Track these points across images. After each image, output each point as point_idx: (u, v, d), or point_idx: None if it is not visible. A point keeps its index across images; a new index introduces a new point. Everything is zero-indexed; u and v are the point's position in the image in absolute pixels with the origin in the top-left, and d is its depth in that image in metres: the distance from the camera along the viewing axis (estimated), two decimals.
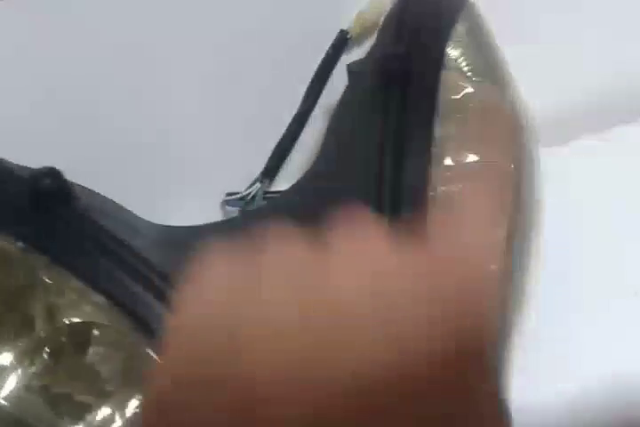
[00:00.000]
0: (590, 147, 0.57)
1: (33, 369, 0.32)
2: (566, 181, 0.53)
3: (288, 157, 0.53)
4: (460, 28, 0.40)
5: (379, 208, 0.33)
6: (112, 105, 0.50)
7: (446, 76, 0.37)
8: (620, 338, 0.44)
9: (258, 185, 0.52)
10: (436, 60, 0.37)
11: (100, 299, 0.32)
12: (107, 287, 0.32)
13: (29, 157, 0.35)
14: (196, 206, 0.55)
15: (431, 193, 0.35)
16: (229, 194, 0.53)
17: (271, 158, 0.53)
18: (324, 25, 0.49)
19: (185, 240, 0.41)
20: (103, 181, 0.39)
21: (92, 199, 0.35)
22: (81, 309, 0.32)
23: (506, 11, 0.52)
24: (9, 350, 0.32)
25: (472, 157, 0.37)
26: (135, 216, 0.40)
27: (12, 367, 0.31)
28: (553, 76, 0.57)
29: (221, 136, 0.53)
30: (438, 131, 0.36)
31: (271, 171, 0.53)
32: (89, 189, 0.38)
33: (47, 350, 0.32)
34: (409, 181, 0.34)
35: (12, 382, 0.31)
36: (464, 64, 0.39)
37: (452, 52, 0.38)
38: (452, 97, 0.38)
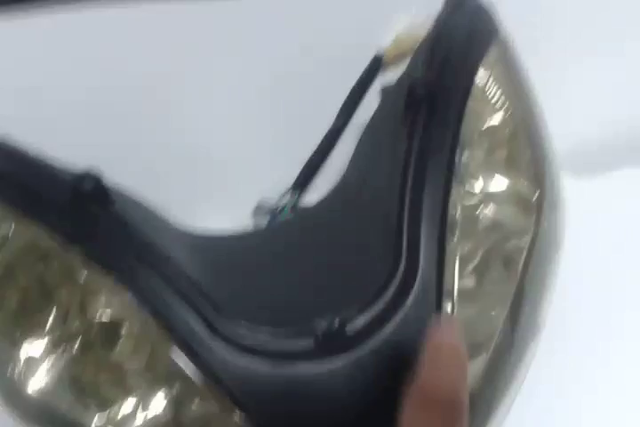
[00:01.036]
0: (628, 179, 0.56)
1: (63, 359, 0.33)
2: (591, 211, 0.53)
3: (319, 172, 0.55)
4: (490, 56, 0.40)
5: (398, 234, 0.34)
6: (149, 113, 0.51)
7: (474, 105, 0.38)
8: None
9: (288, 197, 0.54)
10: (464, 89, 0.37)
11: (131, 299, 0.33)
12: (137, 288, 0.33)
13: (70, 157, 0.36)
14: (225, 215, 0.57)
15: (453, 218, 0.36)
16: (259, 206, 0.55)
17: (302, 172, 0.54)
18: (362, 46, 0.50)
19: (214, 248, 0.43)
20: (137, 185, 0.41)
21: (127, 203, 0.37)
22: (113, 306, 0.33)
23: (534, 37, 0.53)
24: (41, 341, 0.33)
25: (496, 186, 0.38)
26: (166, 220, 0.42)
27: (43, 358, 0.33)
28: (590, 106, 0.58)
29: (255, 147, 0.55)
30: (463, 159, 0.37)
31: (302, 184, 0.54)
32: (125, 193, 0.40)
33: (78, 342, 0.33)
34: (428, 209, 0.35)
35: (42, 372, 0.33)
36: (492, 93, 0.40)
37: (482, 80, 0.39)
38: (479, 126, 0.39)
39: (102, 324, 0.33)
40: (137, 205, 0.39)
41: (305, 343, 0.32)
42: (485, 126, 0.39)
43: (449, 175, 0.35)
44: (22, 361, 0.33)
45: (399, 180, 0.35)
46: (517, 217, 0.38)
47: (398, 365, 0.32)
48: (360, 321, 0.33)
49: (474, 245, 0.36)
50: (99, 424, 0.33)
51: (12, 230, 0.34)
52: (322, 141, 0.53)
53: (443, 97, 0.36)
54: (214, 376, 0.32)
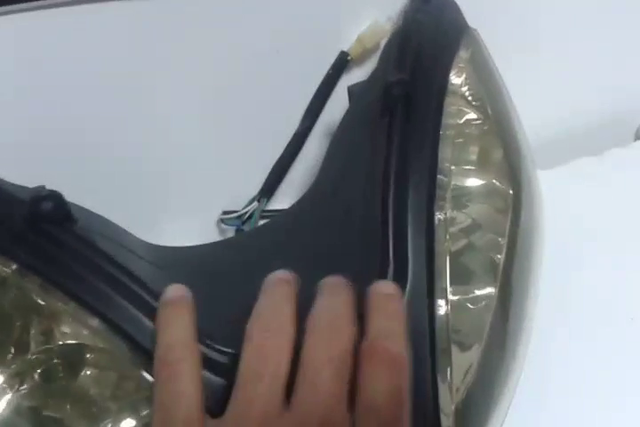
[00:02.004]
0: (587, 168, 0.57)
1: (23, 391, 0.31)
2: (565, 202, 0.53)
3: (286, 177, 0.53)
4: (462, 55, 0.40)
5: (383, 235, 0.33)
6: (109, 120, 0.49)
7: (449, 102, 0.37)
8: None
9: (255, 204, 0.52)
10: (440, 87, 0.37)
11: (94, 322, 0.31)
12: (102, 310, 0.31)
13: (30, 177, 0.34)
14: (192, 224, 0.55)
15: (438, 215, 0.35)
16: (226, 212, 0.53)
17: (269, 177, 0.53)
18: (325, 45, 0.49)
19: (181, 261, 0.41)
20: (101, 199, 0.39)
21: (90, 221, 0.35)
22: (75, 331, 0.31)
23: (506, 34, 0.52)
24: (1, 373, 0.31)
25: (472, 181, 0.37)
26: (132, 237, 0.40)
27: (3, 390, 0.31)
28: (550, 99, 0.58)
29: (219, 153, 0.53)
30: (440, 155, 0.36)
31: (269, 190, 0.53)
32: (87, 210, 0.37)
33: (39, 371, 0.31)
34: (414, 208, 0.34)
35: (1, 405, 0.31)
36: (466, 89, 0.39)
37: (455, 78, 0.38)
38: (455, 122, 0.38)
39: (64, 348, 0.31)
40: (100, 223, 0.37)
41: None
42: (461, 122, 0.38)
43: (433, 174, 0.34)
44: None
45: (381, 183, 0.34)
46: (494, 216, 0.37)
47: None
48: None
49: (459, 245, 0.35)
50: None
51: None
52: (288, 144, 0.52)
53: (419, 96, 0.35)
54: None
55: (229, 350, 0.31)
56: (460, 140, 0.38)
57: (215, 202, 0.54)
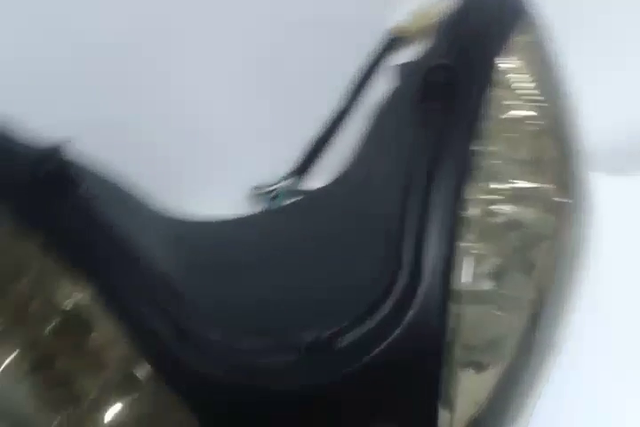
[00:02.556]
0: None
1: (27, 356, 0.31)
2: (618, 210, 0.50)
3: (321, 156, 0.51)
4: (519, 40, 0.36)
5: (401, 230, 0.31)
6: (142, 89, 0.48)
7: (497, 94, 0.34)
8: None
9: (286, 182, 0.50)
10: (486, 75, 0.34)
11: (92, 289, 0.30)
12: (99, 284, 0.30)
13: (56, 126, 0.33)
14: (221, 196, 0.54)
15: (464, 214, 0.32)
16: (257, 188, 0.52)
17: (303, 156, 0.50)
18: (375, 21, 0.46)
19: (192, 235, 0.39)
20: (130, 162, 0.38)
21: (100, 186, 0.33)
22: (73, 296, 0.30)
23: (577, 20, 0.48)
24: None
25: (518, 182, 0.34)
26: (146, 205, 0.38)
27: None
28: (626, 101, 0.54)
29: (255, 127, 0.52)
30: (483, 153, 0.33)
31: (301, 169, 0.50)
32: (101, 174, 0.36)
33: (43, 333, 0.30)
34: (438, 202, 0.31)
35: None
36: (517, 81, 0.36)
37: (505, 66, 0.35)
38: (501, 116, 0.35)
39: (65, 313, 0.30)
40: (111, 189, 0.35)
41: (286, 357, 0.29)
42: (509, 119, 0.35)
43: (464, 171, 0.32)
44: None
45: (405, 174, 0.31)
46: (540, 219, 0.35)
47: (395, 388, 0.28)
48: (350, 337, 0.29)
49: (490, 245, 0.33)
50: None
51: None
52: (326, 123, 0.49)
53: (462, 84, 0.33)
54: (174, 385, 0.29)
55: None
56: (507, 135, 0.35)
57: (247, 178, 0.52)
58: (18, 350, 0.31)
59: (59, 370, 0.30)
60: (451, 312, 0.30)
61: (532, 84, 0.36)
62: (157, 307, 0.29)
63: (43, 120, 0.33)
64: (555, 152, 0.36)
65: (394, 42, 0.46)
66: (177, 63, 0.48)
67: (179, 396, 0.29)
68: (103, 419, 0.30)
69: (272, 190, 0.50)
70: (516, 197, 0.34)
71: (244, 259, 0.37)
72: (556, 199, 0.35)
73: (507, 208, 0.34)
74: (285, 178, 0.51)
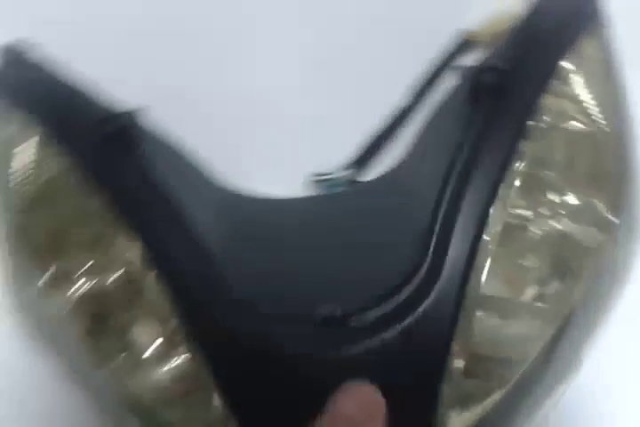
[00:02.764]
0: None
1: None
2: None
3: (382, 150, 0.52)
4: (584, 47, 0.36)
5: (431, 229, 0.31)
6: (211, 65, 0.50)
7: (553, 102, 0.34)
8: None
9: (344, 172, 0.52)
10: (541, 81, 0.33)
11: (141, 252, 0.32)
12: (147, 243, 0.32)
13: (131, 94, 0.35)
14: (279, 179, 0.55)
15: (498, 218, 0.32)
16: (315, 175, 0.53)
17: (363, 149, 0.52)
18: (448, 23, 0.47)
19: (247, 211, 0.41)
20: (193, 131, 0.39)
21: (159, 151, 0.35)
22: (127, 254, 0.32)
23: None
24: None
25: (568, 193, 0.34)
26: (203, 174, 0.40)
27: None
28: None
29: (322, 116, 0.53)
30: (529, 154, 0.33)
31: (361, 161, 0.52)
32: (165, 140, 0.38)
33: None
34: (466, 209, 0.31)
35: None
36: (579, 91, 0.35)
37: (567, 74, 0.35)
38: (557, 124, 0.34)
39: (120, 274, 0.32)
40: (171, 155, 0.37)
41: (302, 327, 0.30)
42: (565, 129, 0.34)
43: (499, 176, 0.32)
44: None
45: (444, 174, 0.32)
46: (586, 234, 0.34)
47: (398, 374, 0.29)
48: (368, 316, 0.30)
49: (520, 253, 0.32)
50: None
51: (37, 158, 0.33)
52: (389, 119, 0.50)
53: (513, 88, 0.33)
54: (201, 339, 0.30)
55: None
56: (561, 149, 0.34)
57: (307, 163, 0.54)
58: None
59: (114, 322, 0.32)
60: (463, 311, 0.30)
61: (593, 97, 0.36)
62: (196, 268, 0.31)
63: (117, 83, 0.35)
64: (612, 168, 0.35)
65: (465, 45, 0.47)
66: (250, 46, 0.50)
67: (203, 350, 0.30)
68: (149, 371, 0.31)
69: (330, 179, 0.52)
70: (564, 208, 0.34)
71: (289, 236, 0.38)
72: (608, 216, 0.34)
73: (551, 220, 0.33)
74: (344, 168, 0.52)
